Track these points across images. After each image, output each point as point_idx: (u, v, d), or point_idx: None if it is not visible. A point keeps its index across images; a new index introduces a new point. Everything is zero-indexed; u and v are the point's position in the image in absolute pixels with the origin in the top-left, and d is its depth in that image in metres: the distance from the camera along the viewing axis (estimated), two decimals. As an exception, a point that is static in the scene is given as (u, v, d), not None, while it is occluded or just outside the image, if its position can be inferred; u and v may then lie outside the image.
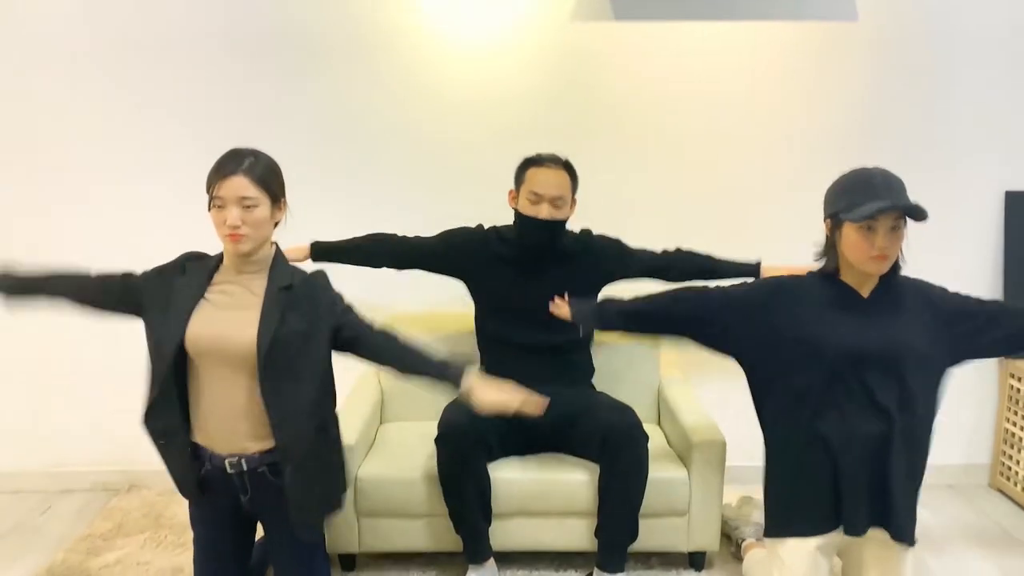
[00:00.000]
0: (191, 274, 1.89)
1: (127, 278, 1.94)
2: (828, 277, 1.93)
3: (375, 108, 2.99)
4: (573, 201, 2.52)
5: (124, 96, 2.97)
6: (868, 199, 1.78)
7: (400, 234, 2.66)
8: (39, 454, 3.20)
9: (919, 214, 1.75)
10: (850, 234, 1.82)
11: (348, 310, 1.96)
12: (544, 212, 2.43)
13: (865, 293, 1.89)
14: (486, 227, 2.63)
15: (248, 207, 1.80)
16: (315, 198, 2.88)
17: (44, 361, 3.13)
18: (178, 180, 2.99)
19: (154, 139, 2.99)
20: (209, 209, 1.82)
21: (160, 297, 1.87)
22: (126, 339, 3.03)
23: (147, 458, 3.10)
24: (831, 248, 1.91)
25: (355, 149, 3.02)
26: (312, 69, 2.96)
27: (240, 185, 1.79)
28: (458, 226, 2.64)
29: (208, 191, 1.81)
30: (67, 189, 3.01)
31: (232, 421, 1.86)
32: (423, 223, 2.70)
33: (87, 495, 3.15)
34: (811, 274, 1.97)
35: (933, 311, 1.89)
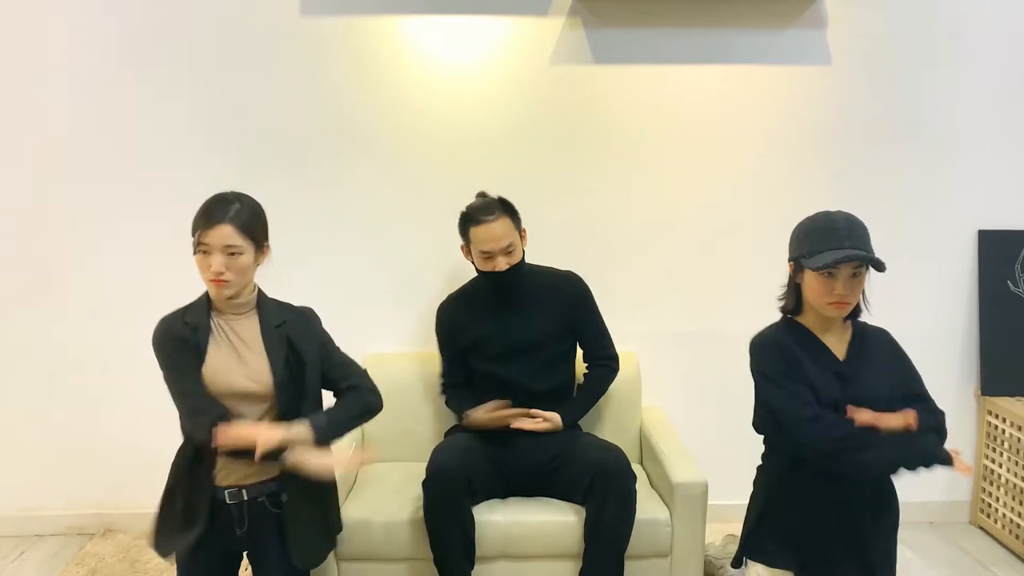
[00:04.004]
0: (192, 323, 1.92)
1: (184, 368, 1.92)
2: (800, 331, 1.94)
3: (360, 122, 3.00)
4: (522, 233, 2.56)
5: (118, 95, 2.97)
6: (829, 246, 1.80)
7: (444, 378, 2.75)
8: (11, 498, 3.14)
9: (878, 266, 1.77)
10: (811, 279, 1.84)
11: (333, 351, 2.06)
12: (501, 264, 2.48)
13: (830, 334, 1.92)
14: (445, 297, 2.72)
15: (233, 254, 1.84)
16: (300, 206, 2.98)
17: (13, 401, 3.09)
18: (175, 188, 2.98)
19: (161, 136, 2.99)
20: (194, 253, 1.86)
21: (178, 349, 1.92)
22: (99, 380, 3.04)
23: (123, 500, 3.11)
24: (794, 289, 1.93)
25: (339, 159, 3.03)
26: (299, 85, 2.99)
27: (226, 234, 1.83)
28: (435, 323, 2.71)
29: (193, 235, 1.85)
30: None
31: (237, 453, 1.88)
32: (403, 229, 2.85)
33: (61, 539, 3.09)
34: (781, 328, 1.99)
35: (898, 363, 1.94)
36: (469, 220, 2.50)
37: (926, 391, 1.93)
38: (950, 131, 3.09)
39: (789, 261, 1.93)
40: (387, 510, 2.43)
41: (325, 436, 1.89)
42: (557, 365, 2.63)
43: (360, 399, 2.03)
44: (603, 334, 2.70)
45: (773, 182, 3.08)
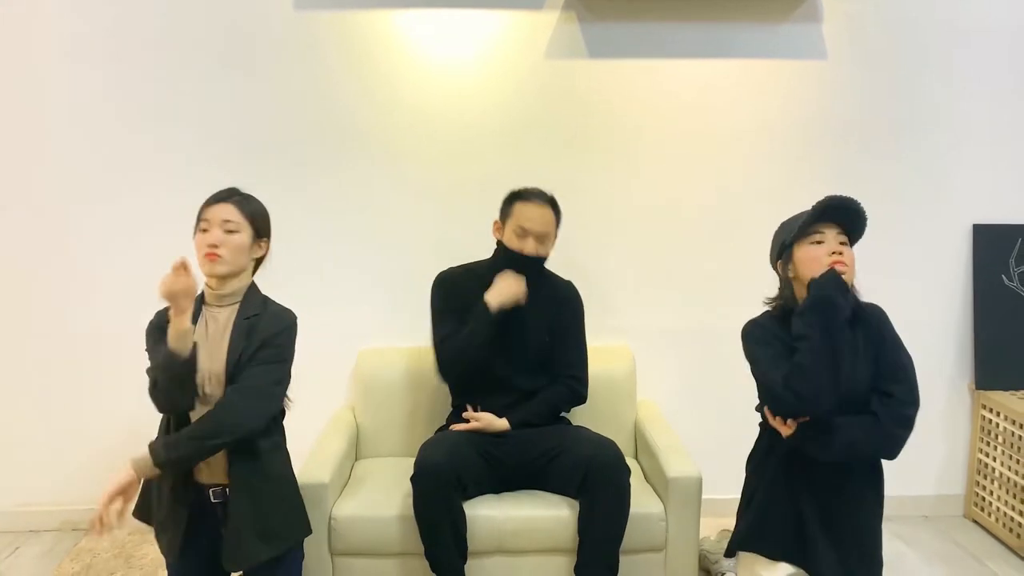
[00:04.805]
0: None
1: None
2: (786, 320, 1.93)
3: (355, 117, 2.99)
4: (554, 238, 2.55)
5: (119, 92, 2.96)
6: (807, 217, 1.84)
7: (440, 339, 2.57)
8: (5, 493, 3.13)
9: (859, 213, 1.82)
10: (802, 255, 1.84)
11: (261, 360, 1.92)
12: (530, 247, 2.48)
13: None
14: (445, 269, 2.66)
15: (230, 231, 1.92)
16: (294, 200, 2.98)
17: (7, 396, 3.08)
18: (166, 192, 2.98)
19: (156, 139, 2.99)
20: (195, 235, 1.93)
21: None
22: (94, 376, 3.03)
23: (118, 497, 3.10)
24: (787, 286, 1.93)
25: (334, 153, 3.02)
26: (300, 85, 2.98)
27: (225, 210, 1.93)
28: (431, 290, 2.62)
29: (197, 218, 1.94)
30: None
31: None
32: (397, 223, 2.88)
33: (55, 535, 3.08)
34: (766, 315, 1.99)
35: (880, 343, 1.90)
36: (517, 196, 2.52)
37: (905, 376, 1.87)
38: (945, 125, 3.09)
39: (777, 260, 1.93)
40: (381, 505, 2.43)
41: (160, 457, 1.85)
42: (542, 366, 2.61)
43: (211, 415, 1.86)
44: (578, 353, 2.64)
45: (768, 175, 3.08)
